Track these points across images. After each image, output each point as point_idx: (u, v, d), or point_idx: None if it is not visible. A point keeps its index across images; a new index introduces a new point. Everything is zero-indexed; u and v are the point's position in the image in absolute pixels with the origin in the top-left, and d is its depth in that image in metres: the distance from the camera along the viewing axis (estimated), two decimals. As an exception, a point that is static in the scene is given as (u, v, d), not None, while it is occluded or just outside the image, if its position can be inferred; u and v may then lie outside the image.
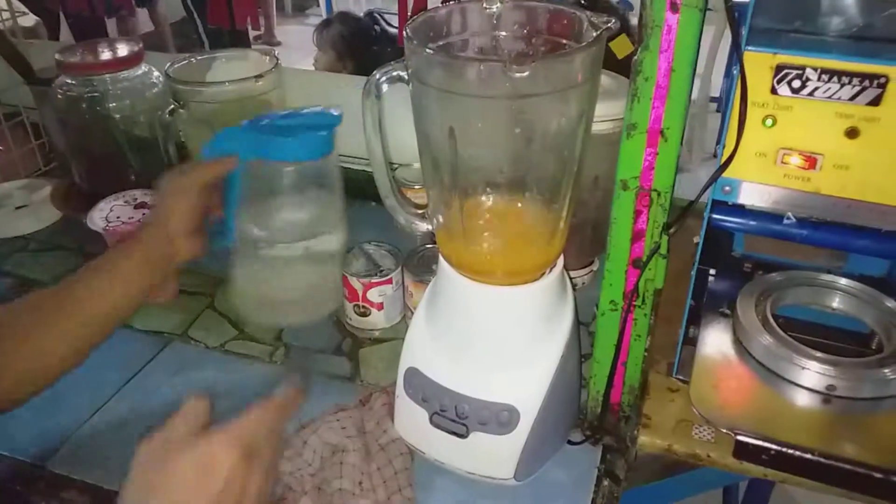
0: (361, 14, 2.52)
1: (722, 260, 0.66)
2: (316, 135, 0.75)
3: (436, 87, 0.51)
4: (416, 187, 1.05)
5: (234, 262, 0.86)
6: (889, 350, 0.53)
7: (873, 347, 0.61)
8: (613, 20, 0.53)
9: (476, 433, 0.64)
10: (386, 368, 0.84)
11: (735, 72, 0.56)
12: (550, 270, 0.63)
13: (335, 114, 0.77)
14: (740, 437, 0.50)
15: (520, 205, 0.57)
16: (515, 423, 0.64)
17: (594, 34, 0.53)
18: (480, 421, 0.64)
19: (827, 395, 0.52)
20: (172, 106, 0.93)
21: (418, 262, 0.87)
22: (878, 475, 0.46)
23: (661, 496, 0.77)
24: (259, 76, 0.96)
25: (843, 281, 0.59)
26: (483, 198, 0.56)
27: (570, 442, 0.73)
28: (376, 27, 2.37)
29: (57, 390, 0.79)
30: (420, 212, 0.64)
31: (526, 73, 0.46)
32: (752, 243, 0.75)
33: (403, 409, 0.69)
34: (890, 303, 0.56)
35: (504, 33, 0.58)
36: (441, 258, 0.65)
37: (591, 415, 0.74)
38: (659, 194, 0.59)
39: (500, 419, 0.64)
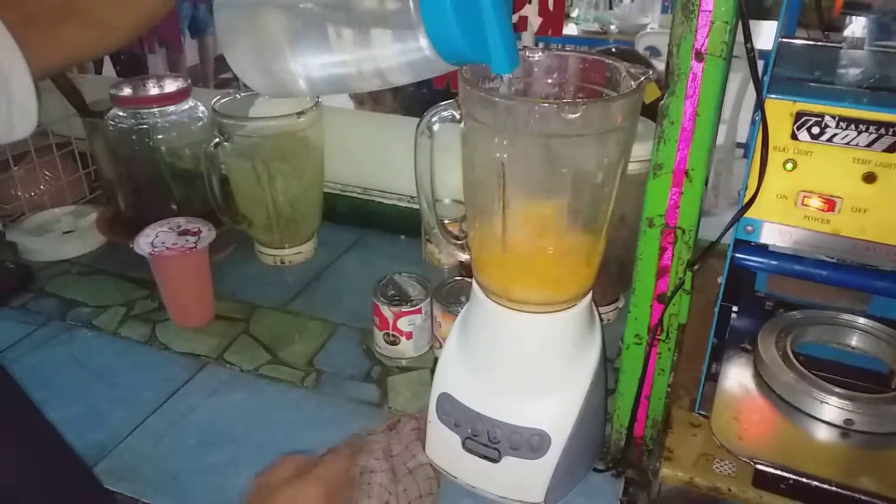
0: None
1: (744, 298, 0.68)
2: None
3: (489, 126, 0.55)
4: (446, 221, 1.09)
5: None
6: (907, 388, 0.55)
7: (893, 387, 0.62)
8: (651, 71, 0.57)
9: (507, 457, 0.66)
10: (413, 396, 0.87)
11: (758, 118, 0.59)
12: (581, 299, 0.65)
13: None
14: (759, 467, 0.51)
15: (558, 236, 0.61)
16: (546, 447, 0.66)
17: (632, 83, 0.57)
18: (512, 446, 0.66)
19: (845, 430, 0.54)
20: (217, 139, 0.99)
21: (447, 293, 0.90)
22: (896, 506, 0.48)
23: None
24: (301, 113, 1.01)
25: (862, 320, 0.61)
26: (524, 228, 0.60)
27: (595, 469, 0.74)
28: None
29: (96, 408, 0.83)
30: (460, 242, 0.67)
31: (578, 115, 0.50)
32: (776, 283, 0.77)
33: (435, 433, 0.71)
34: (905, 340, 0.58)
35: (547, 80, 0.63)
36: (475, 286, 0.68)
37: (615, 448, 0.75)
38: (684, 231, 0.62)
39: (532, 444, 0.66)
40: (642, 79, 0.57)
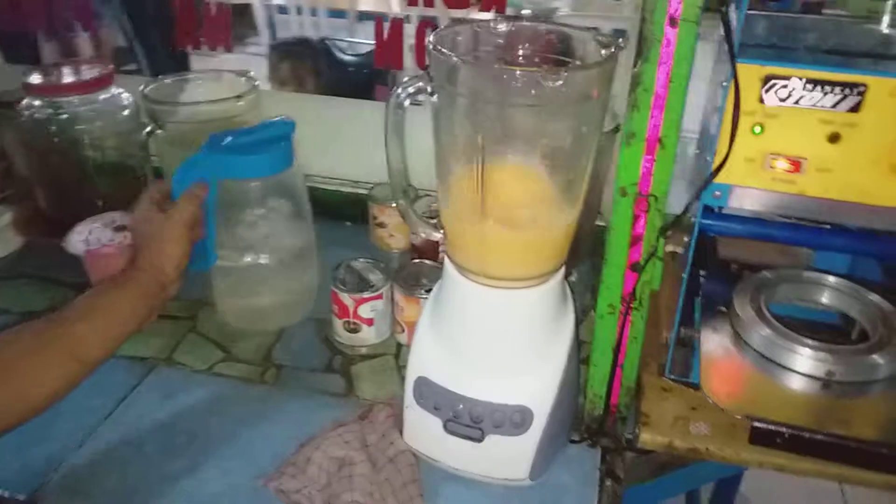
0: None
1: (711, 262, 0.70)
2: (277, 148, 0.82)
3: (465, 96, 0.53)
4: (393, 205, 1.07)
5: (215, 278, 0.91)
6: (875, 338, 0.58)
7: (853, 337, 0.66)
8: (622, 39, 0.57)
9: (491, 436, 0.65)
10: (380, 383, 0.85)
11: (725, 85, 0.60)
12: (557, 272, 0.65)
13: (287, 121, 0.85)
14: (756, 424, 0.53)
15: (536, 208, 0.60)
16: (529, 423, 0.65)
17: (602, 52, 0.56)
18: (495, 424, 0.66)
19: (827, 381, 0.56)
20: (150, 127, 0.92)
21: (407, 276, 0.88)
22: (885, 451, 0.50)
23: (657, 494, 0.79)
24: (239, 97, 0.96)
25: (832, 278, 0.64)
26: (502, 200, 0.59)
27: (571, 441, 0.75)
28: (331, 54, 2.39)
29: (41, 419, 0.76)
30: (433, 222, 0.65)
31: (559, 83, 0.49)
32: (725, 246, 0.79)
33: (414, 419, 0.69)
34: (872, 296, 0.61)
35: (516, 51, 0.61)
36: (449, 266, 0.66)
37: (589, 418, 0.76)
38: (656, 199, 0.62)
39: (515, 420, 0.65)
40: (614, 46, 0.57)
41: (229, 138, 0.80)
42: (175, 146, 0.97)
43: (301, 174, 0.91)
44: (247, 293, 0.93)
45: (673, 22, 0.55)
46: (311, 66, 2.35)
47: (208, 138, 0.80)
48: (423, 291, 0.85)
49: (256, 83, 1.01)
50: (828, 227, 0.64)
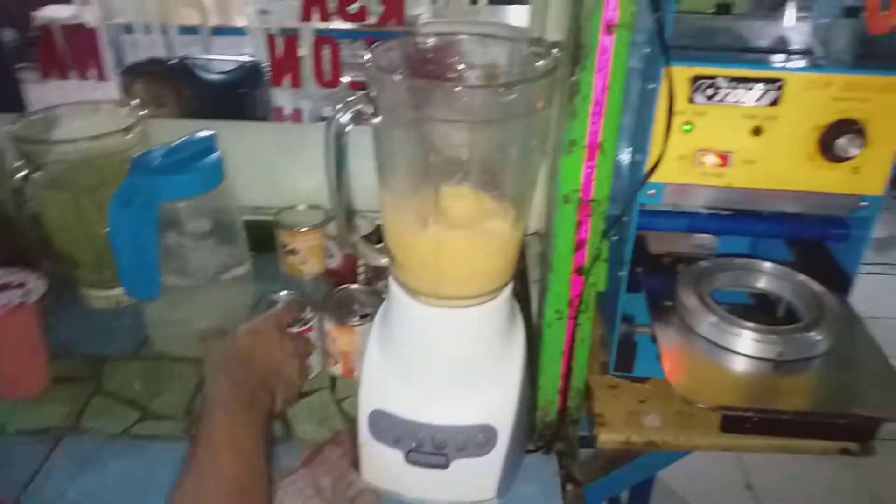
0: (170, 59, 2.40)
1: (644, 258, 0.72)
2: (209, 163, 0.81)
3: (412, 115, 0.51)
4: (303, 230, 1.02)
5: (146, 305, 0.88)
6: (810, 317, 0.62)
7: (780, 315, 0.70)
8: (555, 49, 0.57)
9: (456, 461, 0.63)
10: (320, 421, 0.80)
11: (651, 87, 0.62)
12: (507, 285, 0.64)
13: (207, 135, 0.84)
14: (727, 413, 0.55)
15: (489, 223, 0.58)
16: (493, 441, 0.64)
17: (539, 61, 0.56)
18: (459, 447, 0.64)
19: (778, 361, 0.59)
20: (26, 170, 0.82)
21: (337, 304, 0.84)
22: (843, 421, 0.54)
23: (609, 490, 0.81)
24: (127, 129, 0.87)
25: (766, 264, 0.68)
26: (454, 220, 0.57)
27: (527, 451, 0.74)
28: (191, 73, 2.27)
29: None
30: (379, 246, 0.62)
31: (514, 96, 0.48)
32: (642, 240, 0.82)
33: (372, 454, 0.66)
34: (800, 277, 0.66)
35: (448, 64, 0.60)
36: (396, 290, 0.63)
37: (541, 425, 0.76)
38: (598, 203, 0.63)
39: (478, 440, 0.64)
40: (552, 54, 0.57)
41: (157, 159, 0.77)
42: (56, 189, 0.87)
43: (232, 189, 0.88)
44: (181, 318, 0.87)
45: (609, 28, 0.56)
46: (172, 87, 2.22)
47: (130, 164, 0.77)
48: (356, 319, 0.82)
49: (142, 113, 0.93)
50: (753, 214, 0.68)
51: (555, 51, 0.58)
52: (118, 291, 0.97)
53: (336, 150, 0.55)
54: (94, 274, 0.96)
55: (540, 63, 0.58)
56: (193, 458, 0.57)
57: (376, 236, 0.69)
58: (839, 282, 0.67)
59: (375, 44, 0.57)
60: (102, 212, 0.90)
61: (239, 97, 2.41)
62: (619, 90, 0.58)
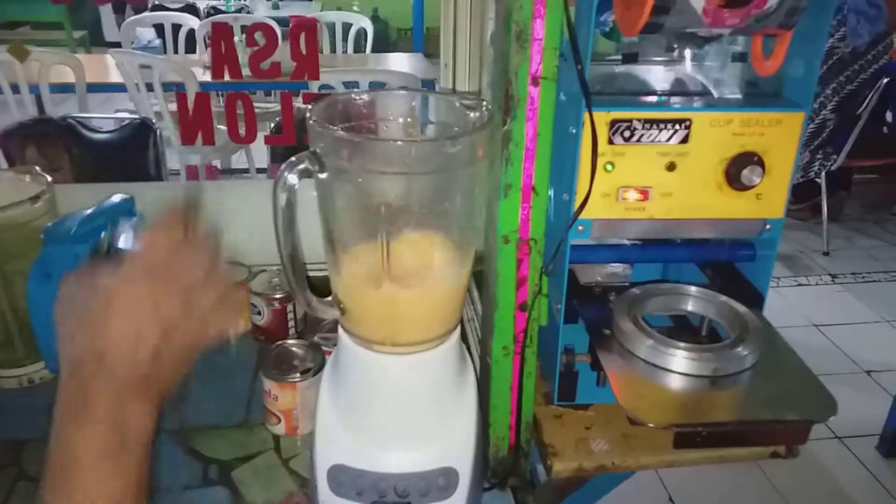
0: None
1: (576, 290, 0.76)
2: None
3: (360, 170, 0.53)
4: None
5: None
6: (735, 334, 0.68)
7: (704, 334, 0.76)
8: (485, 101, 0.60)
9: (421, 507, 0.64)
10: (268, 482, 0.78)
11: (575, 132, 0.67)
12: (456, 328, 0.66)
13: (124, 198, 0.82)
14: (678, 430, 0.58)
15: (439, 269, 0.60)
16: (455, 483, 0.65)
17: (470, 113, 0.60)
18: (422, 493, 0.64)
19: (713, 377, 0.64)
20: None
21: (275, 361, 0.83)
22: (780, 427, 0.59)
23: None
24: (36, 198, 0.83)
25: (693, 288, 0.74)
26: (405, 269, 0.58)
27: (484, 490, 0.76)
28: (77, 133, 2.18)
29: None
30: (328, 299, 0.62)
31: (458, 148, 0.51)
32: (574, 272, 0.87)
33: (335, 511, 0.65)
34: (722, 298, 0.72)
35: (385, 119, 0.62)
36: (347, 342, 0.64)
37: (494, 460, 0.77)
38: (536, 242, 0.67)
39: (440, 484, 0.64)
40: (485, 108, 0.60)
41: (73, 227, 0.74)
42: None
43: None
44: None
45: (535, 81, 0.60)
46: (64, 149, 2.12)
47: (43, 234, 0.74)
48: (297, 375, 0.81)
49: (49, 179, 0.89)
50: (670, 242, 0.74)
51: (485, 103, 0.62)
52: (30, 369, 0.91)
53: (285, 210, 0.55)
54: (1, 353, 0.89)
55: (474, 115, 0.61)
56: None
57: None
58: (752, 299, 0.73)
59: (315, 101, 0.58)
60: (12, 286, 0.86)
61: (131, 156, 2.33)
62: (548, 136, 0.62)
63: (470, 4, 0.99)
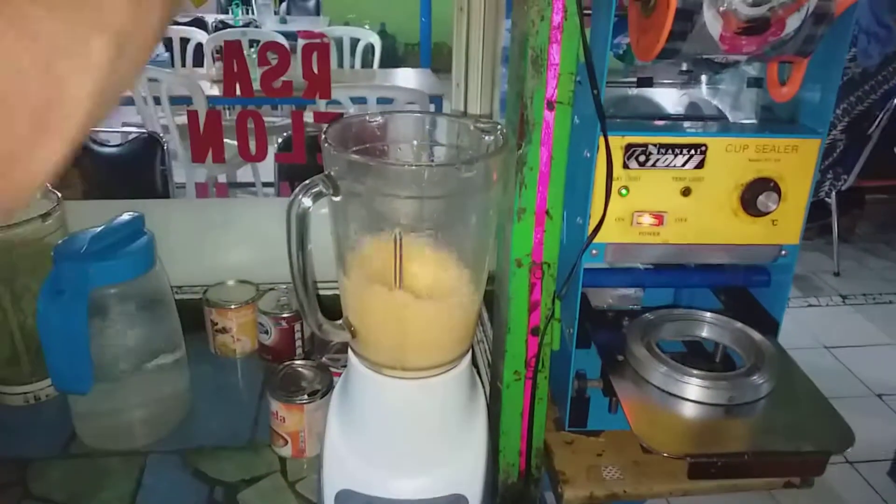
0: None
1: (589, 314, 0.75)
2: (140, 246, 0.80)
3: (373, 192, 0.52)
4: (234, 307, 0.99)
5: (73, 399, 0.83)
6: (750, 362, 0.67)
7: (717, 360, 0.74)
8: (499, 125, 0.60)
9: (431, 535, 0.63)
10: (274, 506, 0.77)
11: (589, 156, 0.66)
12: (468, 352, 0.65)
13: (134, 216, 0.82)
14: (693, 460, 0.57)
15: (453, 293, 0.60)
16: (465, 510, 0.64)
17: (485, 137, 0.59)
18: (431, 521, 0.63)
19: (728, 406, 0.63)
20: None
21: (282, 383, 0.82)
22: (798, 458, 0.58)
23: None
24: (46, 215, 0.83)
25: (709, 314, 0.73)
26: (419, 291, 0.58)
27: (494, 519, 0.74)
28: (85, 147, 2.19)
29: None
30: (339, 322, 0.62)
31: (473, 172, 0.50)
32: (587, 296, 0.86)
33: (343, 538, 0.64)
34: (737, 324, 0.71)
35: (397, 142, 0.62)
36: (358, 365, 0.63)
37: (503, 486, 0.76)
38: (549, 266, 0.66)
39: (450, 512, 0.63)
40: (499, 131, 0.60)
41: (84, 245, 0.74)
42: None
43: (164, 271, 0.85)
44: (111, 409, 0.83)
45: (550, 105, 0.59)
46: (74, 164, 2.13)
47: (54, 251, 0.74)
48: (304, 396, 0.80)
49: (59, 196, 0.89)
50: (683, 267, 0.73)
51: (500, 127, 0.61)
52: (36, 386, 0.91)
53: (298, 232, 0.55)
54: (7, 369, 0.89)
55: (489, 138, 0.61)
56: None
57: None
58: (767, 325, 0.72)
59: (330, 123, 0.58)
60: (20, 302, 0.85)
61: (138, 170, 2.34)
62: (563, 160, 0.62)
63: (483, 25, 0.99)
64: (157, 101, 2.74)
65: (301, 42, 1.01)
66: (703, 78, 0.72)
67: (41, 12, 0.24)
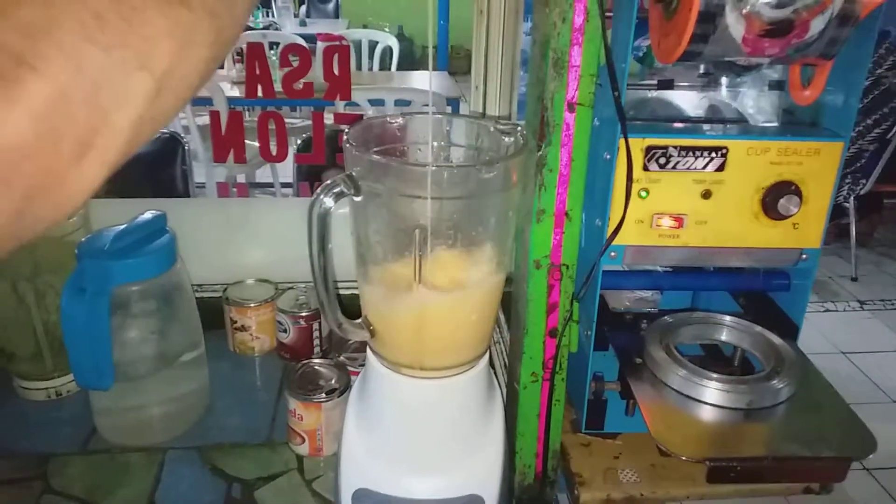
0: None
1: (607, 317, 0.75)
2: (162, 244, 0.80)
3: (397, 194, 0.53)
4: (253, 305, 1.00)
5: (93, 395, 0.84)
6: (770, 366, 0.66)
7: (736, 364, 0.74)
8: (519, 127, 0.60)
9: (447, 535, 0.63)
10: (291, 503, 0.77)
11: (609, 158, 0.66)
12: (485, 353, 0.66)
13: (156, 215, 0.83)
14: (712, 464, 0.57)
15: (472, 294, 0.60)
16: (481, 511, 0.64)
17: (504, 139, 0.59)
18: (448, 521, 0.63)
19: (748, 410, 0.62)
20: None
21: (300, 381, 0.83)
22: (819, 464, 0.57)
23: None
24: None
25: (728, 318, 0.72)
26: (439, 292, 0.58)
27: (510, 520, 0.74)
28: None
29: None
30: (358, 321, 0.62)
31: (493, 174, 0.50)
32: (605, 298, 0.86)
33: (360, 536, 0.64)
34: (757, 328, 0.70)
35: (417, 143, 0.62)
36: (377, 365, 0.63)
37: (520, 488, 0.76)
38: (568, 267, 0.66)
39: (466, 512, 0.64)
40: (518, 132, 0.60)
41: (107, 242, 0.75)
42: (-7, 278, 0.82)
43: (185, 269, 0.86)
44: (131, 406, 0.84)
45: (571, 107, 0.60)
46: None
47: (78, 249, 0.74)
48: (322, 395, 0.80)
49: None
50: (702, 270, 0.73)
51: (520, 128, 0.61)
52: (58, 382, 0.92)
53: (320, 232, 0.55)
54: (30, 365, 0.90)
55: (509, 140, 0.61)
56: None
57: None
58: (786, 329, 0.72)
59: (351, 124, 0.58)
60: (44, 299, 0.87)
61: (159, 169, 2.36)
62: (583, 162, 0.62)
63: (502, 28, 0.99)
64: (177, 101, 2.76)
65: (321, 45, 1.02)
66: (724, 80, 0.72)
67: (96, 50, 0.26)
